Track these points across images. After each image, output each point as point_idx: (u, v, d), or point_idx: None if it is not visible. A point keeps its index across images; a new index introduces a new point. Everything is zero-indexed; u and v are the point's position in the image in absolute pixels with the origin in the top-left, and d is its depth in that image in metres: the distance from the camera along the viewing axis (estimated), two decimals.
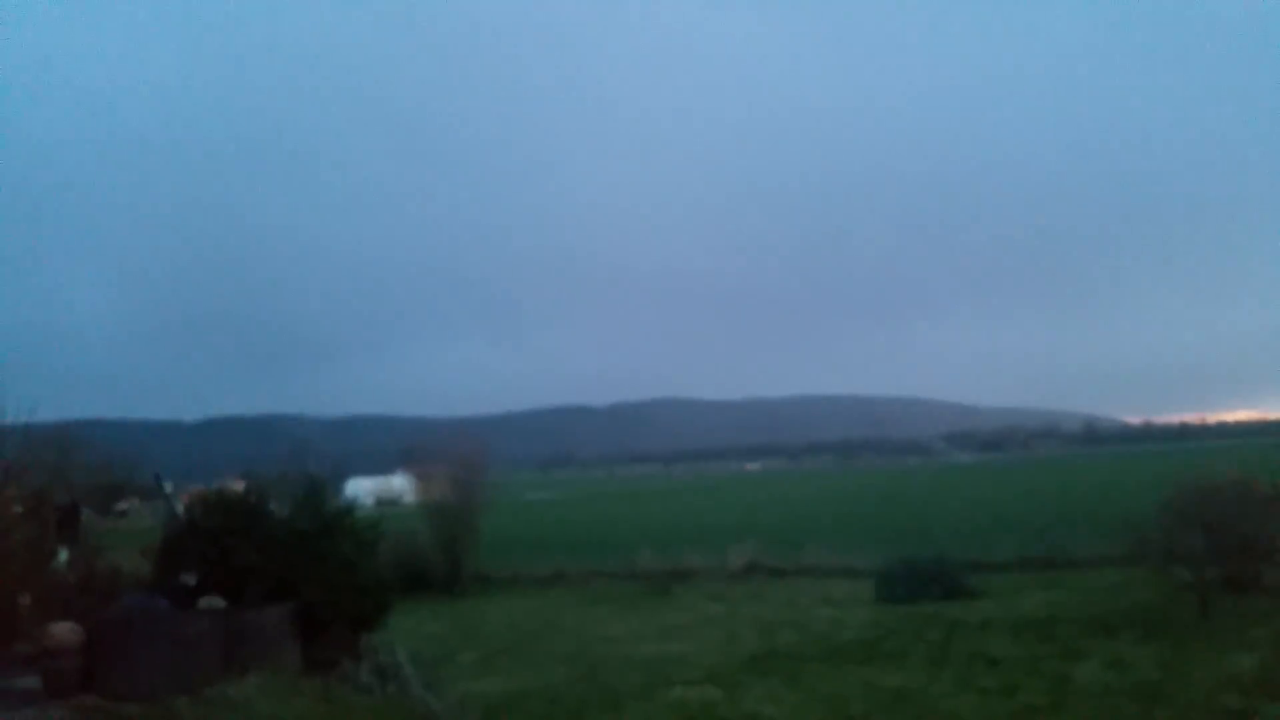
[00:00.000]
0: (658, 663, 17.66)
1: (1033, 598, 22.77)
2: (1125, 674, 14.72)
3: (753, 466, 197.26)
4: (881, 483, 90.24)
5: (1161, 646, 16.27)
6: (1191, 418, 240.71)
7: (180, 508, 17.56)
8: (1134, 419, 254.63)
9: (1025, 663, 15.89)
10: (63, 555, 16.92)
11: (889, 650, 17.64)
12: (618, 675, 16.81)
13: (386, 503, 52.49)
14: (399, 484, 59.53)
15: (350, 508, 17.70)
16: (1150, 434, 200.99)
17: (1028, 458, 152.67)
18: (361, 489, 51.56)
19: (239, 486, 16.81)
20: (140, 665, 12.36)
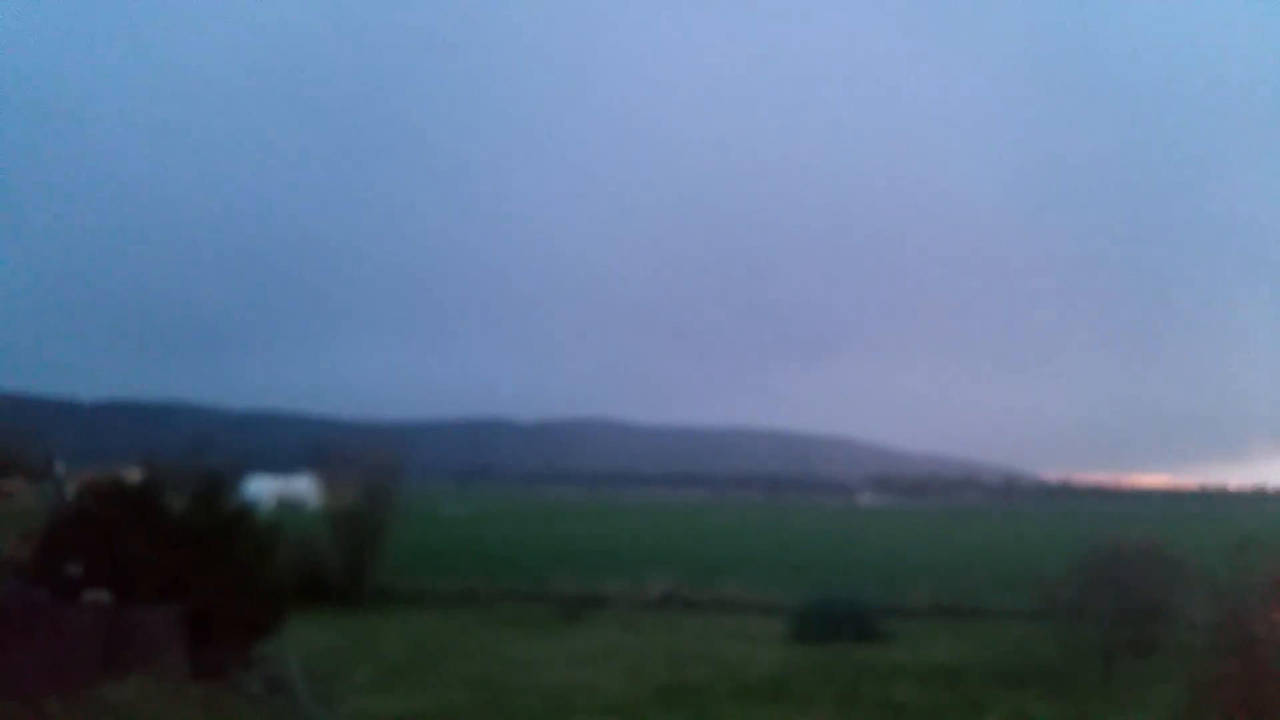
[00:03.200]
0: (563, 691, 17.24)
1: (942, 646, 22.82)
2: None
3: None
4: (804, 521, 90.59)
5: (1064, 703, 16.35)
6: (1107, 479, 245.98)
7: (71, 492, 16.81)
8: (1051, 476, 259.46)
9: (931, 711, 15.84)
10: None
11: (798, 690, 17.46)
12: (520, 701, 16.35)
13: (288, 505, 50.87)
14: (303, 486, 57.71)
15: (250, 508, 17.10)
16: (1066, 493, 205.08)
17: (947, 506, 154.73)
18: (263, 489, 50.00)
19: (135, 474, 16.14)
20: (12, 659, 11.67)
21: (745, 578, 32.13)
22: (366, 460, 33.36)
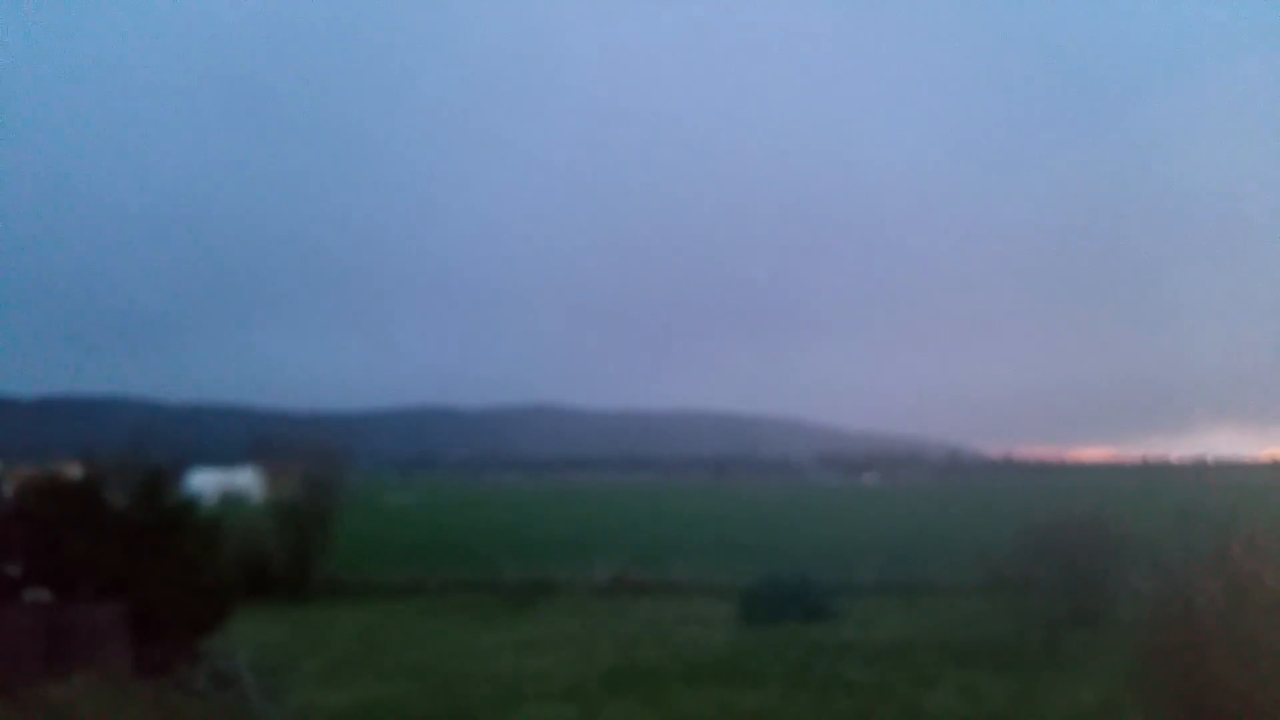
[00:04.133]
0: (514, 678, 17.20)
1: (891, 622, 23.14)
2: (975, 703, 14.95)
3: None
4: (752, 501, 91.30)
5: (1011, 676, 16.63)
6: (1049, 453, 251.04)
7: (9, 491, 16.39)
8: (995, 451, 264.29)
9: (880, 688, 16.03)
10: None
11: (749, 670, 17.58)
12: (470, 690, 16.28)
13: (232, 499, 50.35)
14: (246, 479, 57.03)
15: (193, 502, 16.82)
16: (1010, 467, 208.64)
17: (894, 483, 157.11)
18: (206, 483, 49.41)
19: (75, 471, 15.78)
20: None
21: (694, 560, 32.26)
22: (310, 451, 32.92)
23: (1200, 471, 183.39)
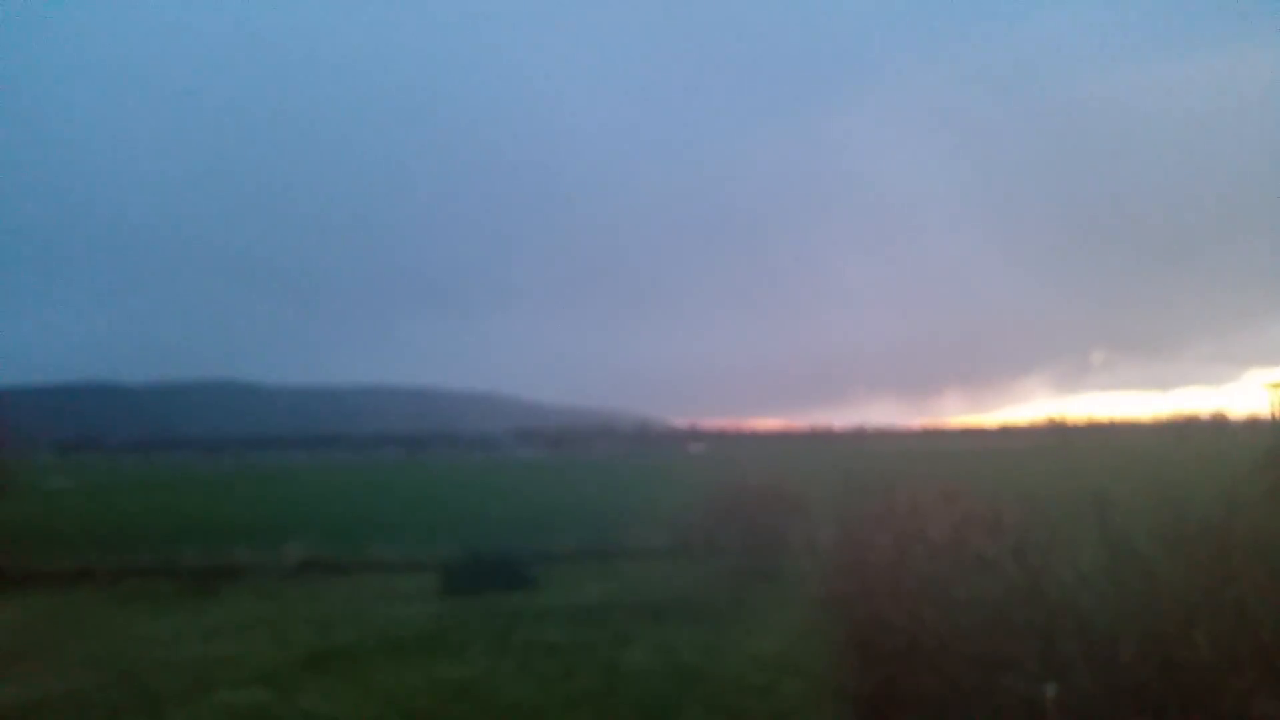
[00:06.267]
0: (202, 664, 16.31)
1: (590, 587, 23.90)
2: (669, 657, 15.81)
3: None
4: (450, 477, 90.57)
5: (702, 631, 17.71)
6: (729, 424, 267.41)
7: None
8: (681, 423, 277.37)
9: (580, 649, 16.58)
10: None
11: (452, 643, 17.61)
12: (156, 679, 15.28)
13: None
14: None
15: None
16: (695, 437, 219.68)
17: (588, 455, 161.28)
18: None
19: None
20: None
21: (392, 537, 31.71)
22: None
23: (860, 438, 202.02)
